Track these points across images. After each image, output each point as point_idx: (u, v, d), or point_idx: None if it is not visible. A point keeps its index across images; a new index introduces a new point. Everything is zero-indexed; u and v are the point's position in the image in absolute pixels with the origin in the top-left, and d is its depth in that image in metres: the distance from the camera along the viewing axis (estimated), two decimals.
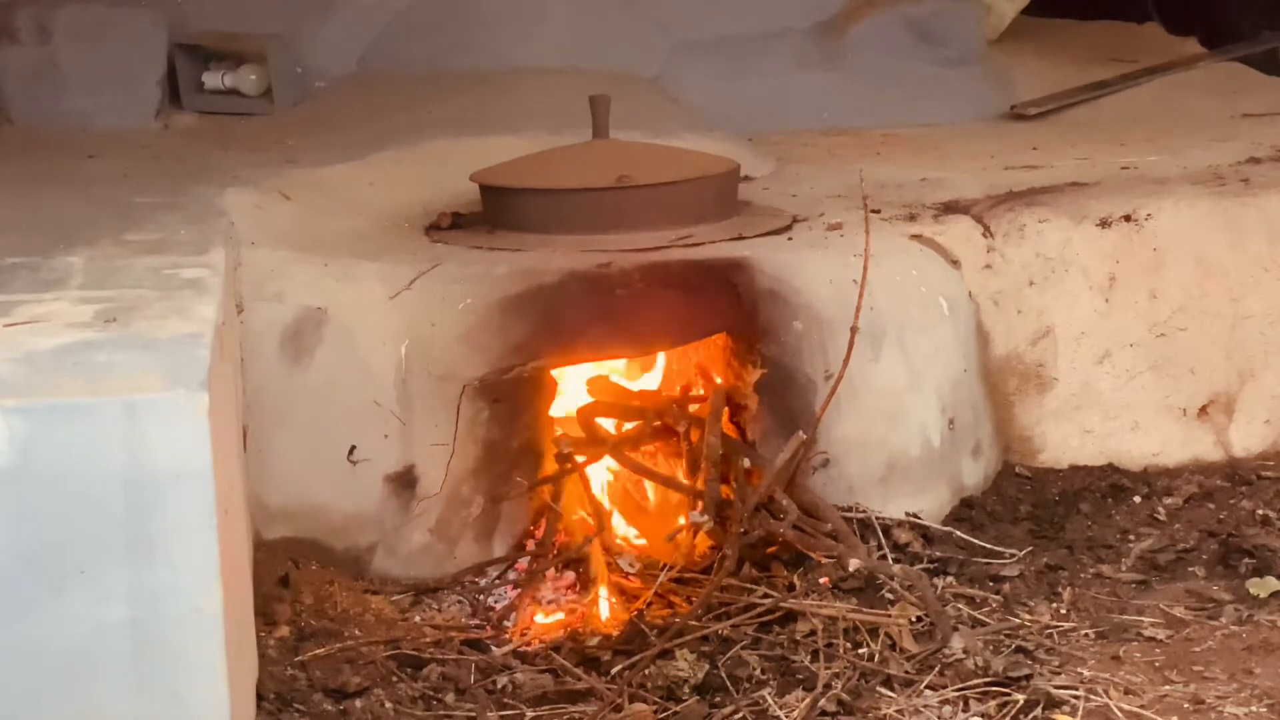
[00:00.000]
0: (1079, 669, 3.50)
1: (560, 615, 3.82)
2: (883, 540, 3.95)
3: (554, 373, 4.03)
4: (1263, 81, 6.30)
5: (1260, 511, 4.19)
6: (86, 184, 4.69)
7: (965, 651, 3.49)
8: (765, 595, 3.71)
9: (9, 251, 3.71)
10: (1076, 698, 3.37)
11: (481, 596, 3.88)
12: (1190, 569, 4.00)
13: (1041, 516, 4.22)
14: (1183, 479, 4.37)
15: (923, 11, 6.21)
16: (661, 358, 4.20)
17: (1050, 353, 4.44)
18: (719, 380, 4.13)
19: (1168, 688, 3.45)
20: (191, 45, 5.77)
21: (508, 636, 3.74)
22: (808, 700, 3.38)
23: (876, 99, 6.00)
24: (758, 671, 3.52)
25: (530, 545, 3.99)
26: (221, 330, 3.13)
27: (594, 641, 3.64)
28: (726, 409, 4.05)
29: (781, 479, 3.86)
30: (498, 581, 3.92)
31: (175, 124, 5.65)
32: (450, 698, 3.47)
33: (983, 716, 3.34)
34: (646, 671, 3.48)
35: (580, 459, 3.96)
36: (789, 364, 4.05)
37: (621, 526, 4.09)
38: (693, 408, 4.09)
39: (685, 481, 4.00)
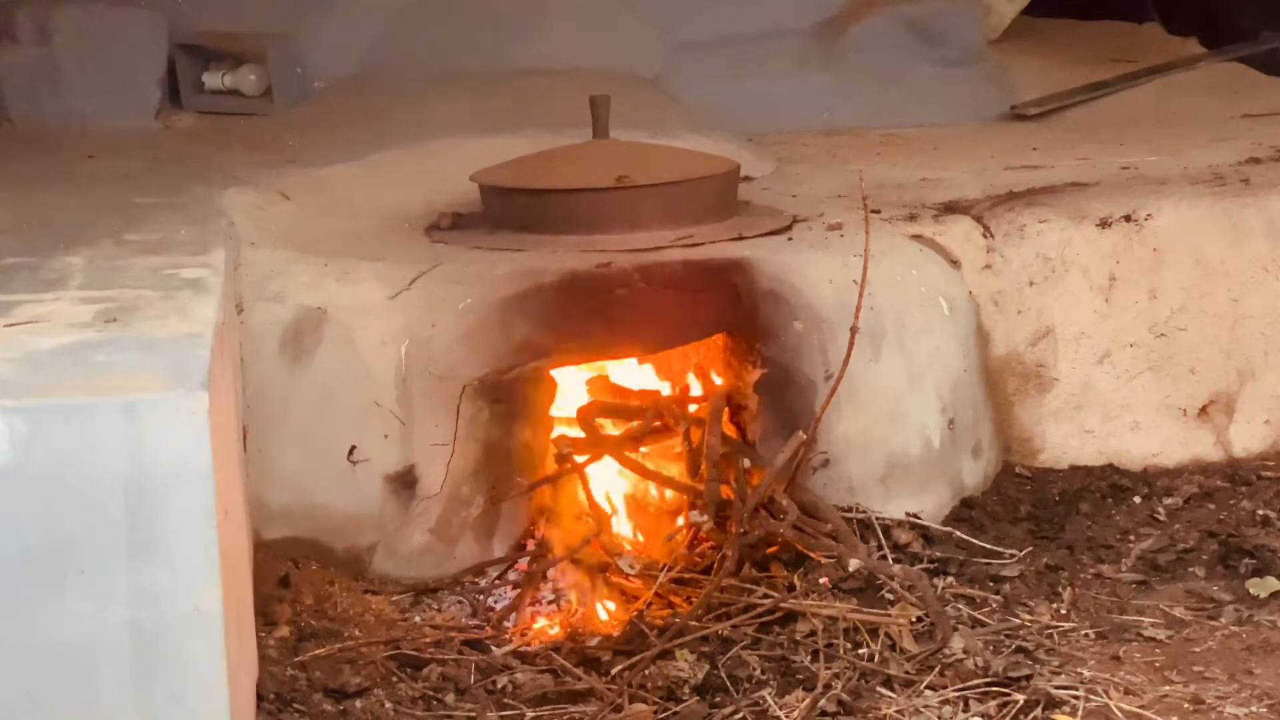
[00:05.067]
0: (1079, 669, 3.50)
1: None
2: (883, 540, 3.95)
3: (554, 373, 4.03)
4: (1263, 81, 6.30)
5: (1260, 511, 4.19)
6: (86, 184, 4.69)
7: (965, 651, 3.49)
8: (765, 595, 3.71)
9: (9, 251, 3.71)
10: (1076, 698, 3.37)
11: (481, 596, 3.88)
12: (1190, 569, 4.00)
13: (1041, 516, 4.22)
14: (1183, 479, 4.37)
15: (923, 11, 6.20)
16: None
17: (1050, 353, 4.44)
18: (719, 380, 4.13)
19: (1168, 688, 3.45)
20: (191, 45, 5.76)
21: (508, 636, 3.74)
22: (808, 700, 3.38)
23: (876, 99, 6.00)
24: (758, 672, 3.52)
25: (530, 545, 3.99)
26: (221, 330, 3.13)
27: (594, 641, 3.64)
28: (726, 409, 4.05)
29: (781, 479, 3.86)
30: (498, 581, 3.92)
31: (175, 124, 5.65)
32: (450, 698, 3.47)
33: (983, 716, 3.34)
34: (646, 671, 3.48)
35: (580, 459, 3.95)
36: (789, 364, 4.05)
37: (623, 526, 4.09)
38: (693, 408, 4.09)
39: (685, 480, 4.00)
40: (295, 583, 3.77)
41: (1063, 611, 3.78)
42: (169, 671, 2.74)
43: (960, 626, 3.63)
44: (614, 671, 3.52)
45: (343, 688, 3.43)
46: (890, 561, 3.86)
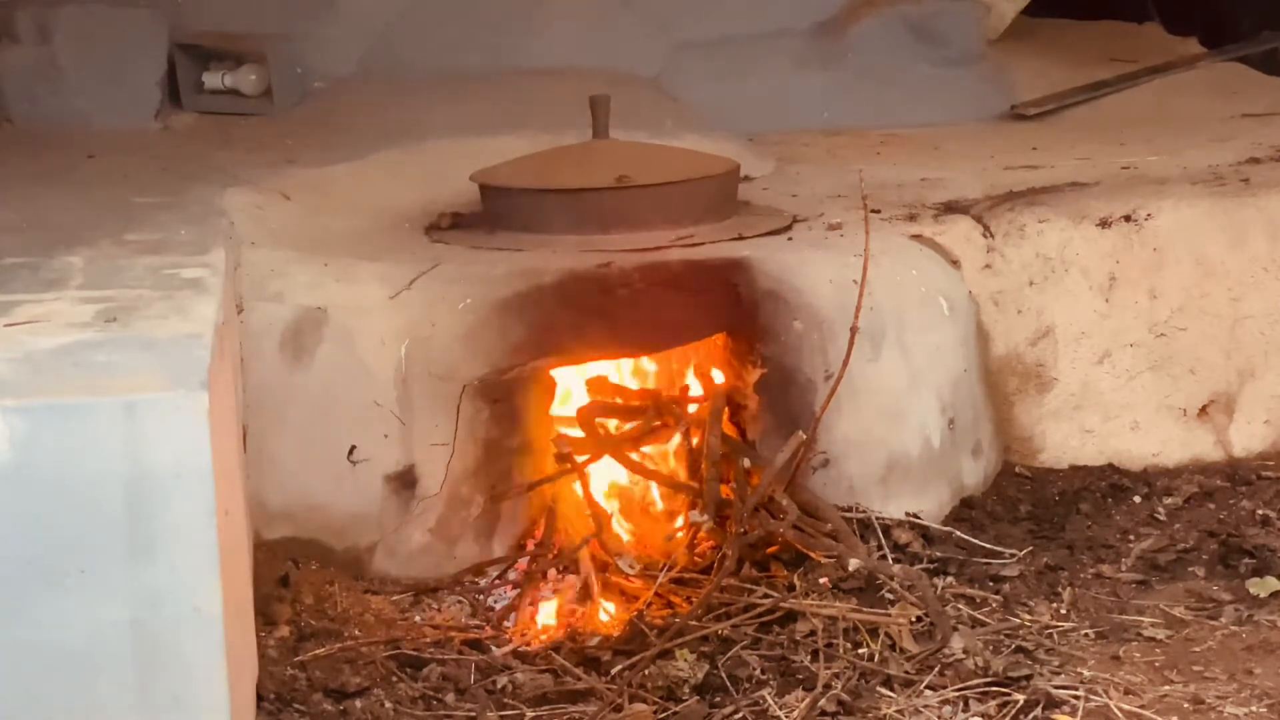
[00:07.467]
0: (1079, 669, 3.51)
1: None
2: (883, 540, 3.95)
3: (554, 373, 4.03)
4: (1263, 81, 6.30)
5: (1260, 511, 4.19)
6: (86, 184, 4.69)
7: (965, 651, 3.49)
8: (765, 595, 3.71)
9: (9, 251, 3.71)
10: (1076, 698, 3.37)
11: (481, 596, 3.88)
12: (1190, 569, 4.00)
13: (1041, 516, 4.23)
14: (1183, 479, 4.38)
15: (923, 11, 6.20)
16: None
17: (1050, 353, 4.44)
18: (719, 380, 4.13)
19: (1168, 688, 3.45)
20: (191, 45, 5.76)
21: (508, 636, 3.74)
22: (808, 700, 3.38)
23: (876, 99, 6.00)
24: (758, 671, 3.52)
25: (530, 545, 3.99)
26: (221, 330, 3.13)
27: (594, 641, 3.64)
28: (726, 409, 4.05)
29: (781, 479, 3.86)
30: (498, 581, 3.92)
31: (175, 124, 5.64)
32: (450, 698, 3.47)
33: (983, 716, 3.34)
34: (646, 671, 3.48)
35: (580, 459, 3.95)
36: (789, 364, 4.05)
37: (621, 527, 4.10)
38: (693, 408, 4.09)
39: (685, 480, 4.00)
40: (295, 583, 3.77)
41: (1063, 611, 3.78)
42: (169, 671, 2.74)
43: (960, 626, 3.63)
44: (614, 671, 3.52)
45: (343, 688, 3.43)
46: (890, 561, 3.86)
